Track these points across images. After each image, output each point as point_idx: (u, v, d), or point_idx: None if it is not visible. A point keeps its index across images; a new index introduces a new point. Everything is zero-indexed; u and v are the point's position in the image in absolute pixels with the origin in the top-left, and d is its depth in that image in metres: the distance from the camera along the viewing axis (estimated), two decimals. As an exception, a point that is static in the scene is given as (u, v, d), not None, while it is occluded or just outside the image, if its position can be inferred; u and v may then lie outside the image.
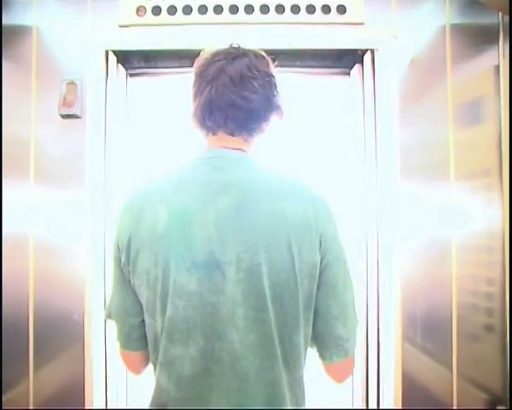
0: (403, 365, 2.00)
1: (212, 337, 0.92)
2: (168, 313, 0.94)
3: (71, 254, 1.97)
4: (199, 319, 0.92)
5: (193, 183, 0.96)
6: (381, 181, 2.03)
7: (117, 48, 2.06)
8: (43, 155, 1.98)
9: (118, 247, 1.01)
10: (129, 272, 0.99)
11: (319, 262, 0.96)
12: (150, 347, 1.02)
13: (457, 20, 2.03)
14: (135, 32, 2.03)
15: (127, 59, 2.15)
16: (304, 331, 0.97)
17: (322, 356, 1.03)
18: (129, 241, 0.97)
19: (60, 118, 1.99)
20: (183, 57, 2.08)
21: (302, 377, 1.00)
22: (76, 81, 1.99)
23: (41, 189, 1.99)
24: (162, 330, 0.95)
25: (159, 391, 0.98)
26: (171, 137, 2.12)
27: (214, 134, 1.03)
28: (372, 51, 2.09)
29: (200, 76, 1.03)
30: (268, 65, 1.04)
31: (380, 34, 2.05)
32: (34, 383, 1.95)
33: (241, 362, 0.92)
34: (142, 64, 2.17)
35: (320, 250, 0.95)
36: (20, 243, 1.96)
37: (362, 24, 2.05)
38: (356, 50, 2.11)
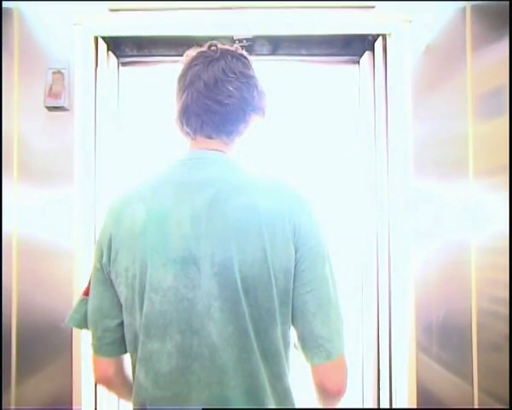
0: (417, 377, 1.93)
1: (189, 333, 0.95)
2: (145, 308, 0.97)
3: (58, 257, 1.90)
4: (175, 314, 0.95)
5: (170, 184, 1.01)
6: (393, 179, 1.97)
7: (107, 34, 1.99)
8: (27, 150, 1.92)
9: (100, 247, 1.04)
10: (110, 271, 1.03)
11: (293, 255, 0.97)
12: (130, 348, 1.04)
13: (478, 1, 1.92)
14: (127, 16, 1.96)
15: (118, 46, 2.09)
16: (281, 328, 0.99)
17: (305, 358, 1.02)
18: (109, 241, 1.01)
19: (45, 110, 1.92)
20: (180, 44, 2.03)
21: (284, 374, 1.01)
22: (63, 70, 1.92)
23: (25, 187, 1.93)
24: (138, 327, 0.99)
25: (137, 389, 1.00)
26: (166, 130, 2.05)
27: (193, 138, 1.06)
28: (384, 37, 2.01)
29: (179, 81, 1.06)
30: (246, 65, 1.05)
31: (392, 18, 1.97)
32: (16, 397, 1.89)
33: (219, 354, 0.95)
34: (135, 52, 2.11)
35: (294, 242, 0.97)
36: (2, 246, 1.90)
37: (372, 7, 1.97)
38: (366, 36, 2.05)
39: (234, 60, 1.04)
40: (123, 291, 1.01)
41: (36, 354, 1.89)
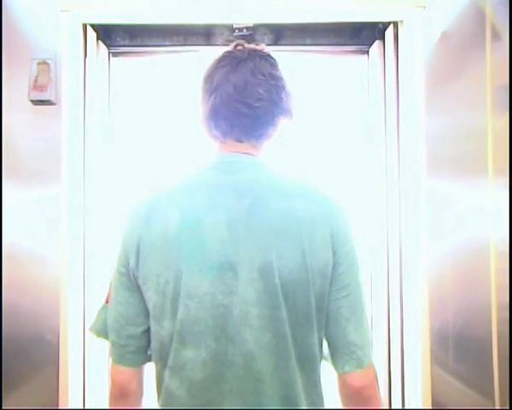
0: (432, 393, 1.87)
1: (224, 340, 0.97)
2: (179, 315, 0.98)
3: (44, 263, 1.86)
4: (211, 321, 0.97)
5: (203, 187, 1.03)
6: (405, 179, 1.95)
7: (97, 21, 1.96)
8: (10, 148, 1.87)
9: (125, 251, 1.05)
10: (137, 277, 1.03)
11: (331, 260, 1.00)
12: (155, 357, 1.05)
13: (499, -16, 1.80)
14: (118, 2, 1.92)
15: (109, 35, 2.07)
16: (317, 334, 1.01)
17: (334, 365, 1.04)
18: (138, 245, 1.02)
19: (30, 104, 1.87)
20: (175, 33, 2.03)
21: (319, 380, 1.04)
22: (49, 61, 1.87)
23: (8, 188, 1.88)
24: (172, 334, 1.00)
25: (168, 398, 1.02)
26: (161, 125, 2.07)
27: (223, 141, 1.08)
28: (395, 25, 1.97)
29: (206, 83, 1.07)
30: (274, 66, 1.07)
31: (404, 4, 1.93)
32: (-1, 414, 1.81)
33: (256, 362, 0.97)
34: (127, 41, 2.09)
35: (331, 247, 1.00)
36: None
37: (383, -8, 1.94)
38: (376, 24, 2.02)
39: (262, 61, 1.06)
40: (152, 298, 1.02)
41: (20, 368, 1.85)
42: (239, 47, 1.08)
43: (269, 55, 1.08)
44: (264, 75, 1.04)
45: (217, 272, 0.97)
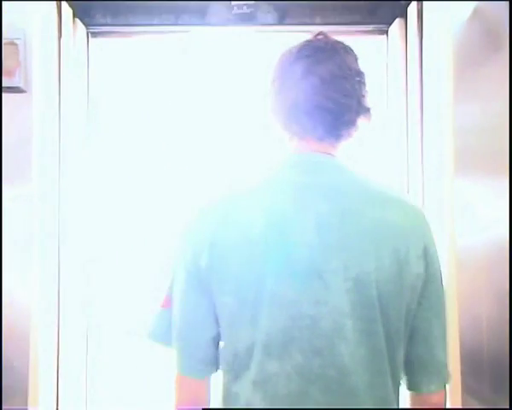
0: None
1: (310, 353, 0.97)
2: (263, 324, 0.98)
3: (12, 275, 1.75)
4: (297, 332, 0.97)
5: (289, 187, 1.04)
6: (428, 176, 1.90)
7: None
8: None
9: (195, 249, 1.03)
10: (209, 278, 1.02)
11: (422, 275, 1.03)
12: (225, 367, 1.04)
13: None
14: None
15: (87, 12, 2.02)
16: (403, 350, 1.04)
17: (418, 384, 1.07)
18: (213, 244, 1.01)
19: None
20: (164, 11, 1.99)
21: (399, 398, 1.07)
22: (17, 41, 1.76)
23: None
24: (251, 344, 1.00)
25: None
26: (146, 114, 2.03)
27: (301, 138, 1.08)
28: (419, 0, 1.92)
29: (285, 73, 1.07)
30: (356, 60, 1.08)
31: None
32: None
33: (351, 377, 0.97)
34: (108, 20, 2.04)
35: (423, 263, 1.03)
36: None
37: (405, -38, 1.94)
38: (396, 0, 1.99)
39: (347, 54, 1.06)
40: (228, 302, 1.01)
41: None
42: (320, 37, 1.08)
43: (351, 49, 1.08)
44: (350, 69, 1.04)
45: (303, 279, 0.97)
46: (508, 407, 1.53)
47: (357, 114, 1.06)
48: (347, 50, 1.07)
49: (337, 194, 1.02)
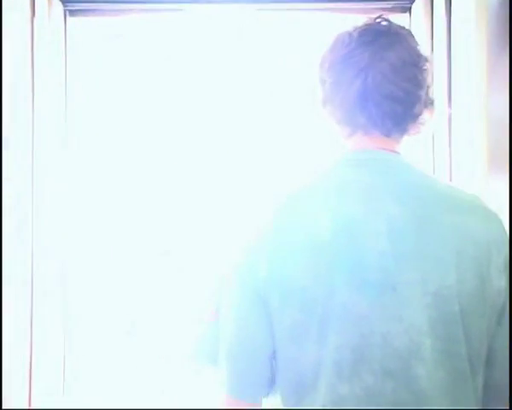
0: None
1: (382, 375, 0.93)
2: (333, 341, 0.93)
3: None
4: (368, 351, 0.92)
5: (355, 185, 0.99)
6: (457, 175, 1.81)
7: None
8: None
9: (252, 256, 0.98)
10: (268, 289, 0.97)
11: (503, 291, 0.98)
12: (286, 389, 0.98)
13: None
14: None
15: None
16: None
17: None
18: (275, 250, 0.97)
19: None
20: None
21: None
22: None
23: None
24: (318, 364, 0.94)
25: None
26: (131, 103, 1.98)
27: (366, 133, 1.02)
28: None
29: (346, 60, 1.01)
30: (419, 46, 1.05)
31: None
32: None
33: (428, 403, 0.92)
34: None
35: (504, 277, 0.98)
36: None
37: None
38: None
39: (412, 39, 1.04)
40: (292, 316, 0.95)
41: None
42: (381, 20, 1.04)
43: (412, 34, 1.06)
44: (419, 56, 1.01)
45: (377, 291, 0.93)
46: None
47: (425, 105, 1.02)
48: (411, 35, 1.04)
49: (410, 197, 0.97)
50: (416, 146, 1.98)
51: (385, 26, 1.03)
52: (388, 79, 0.98)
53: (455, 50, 1.82)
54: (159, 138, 2.05)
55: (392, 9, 1.97)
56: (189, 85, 1.99)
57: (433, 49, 1.91)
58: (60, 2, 1.92)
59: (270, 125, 2.05)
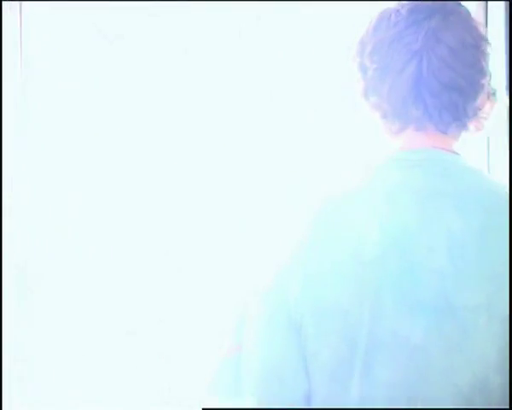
0: None
1: None
2: (381, 375, 0.86)
3: None
4: (424, 389, 0.86)
5: (409, 191, 0.91)
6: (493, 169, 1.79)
7: None
8: None
9: (281, 279, 0.91)
10: (303, 313, 0.89)
11: None
12: None
13: None
14: None
15: None
16: None
17: None
18: (310, 268, 0.89)
19: None
20: None
21: None
22: None
23: None
24: (365, 401, 0.87)
25: None
26: (96, 97, 1.88)
27: (419, 129, 0.94)
28: None
29: (395, 41, 0.93)
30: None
31: None
32: None
33: None
34: None
35: None
36: None
37: None
38: None
39: (471, 18, 0.97)
40: (330, 346, 0.88)
41: None
42: None
43: (469, 11, 1.00)
44: (481, 38, 0.94)
45: (434, 317, 0.85)
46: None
47: (488, 95, 0.95)
48: (469, 13, 0.97)
49: (473, 205, 0.90)
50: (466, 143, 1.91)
51: (439, 2, 0.96)
52: (447, 63, 0.91)
53: (491, 29, 1.77)
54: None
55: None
56: (162, 75, 1.89)
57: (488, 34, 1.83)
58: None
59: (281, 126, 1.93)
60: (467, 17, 0.96)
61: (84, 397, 1.88)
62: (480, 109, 0.96)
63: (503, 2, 1.82)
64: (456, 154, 0.96)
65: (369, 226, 0.90)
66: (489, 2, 1.86)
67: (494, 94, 0.98)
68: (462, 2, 1.12)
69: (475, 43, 0.94)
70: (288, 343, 0.92)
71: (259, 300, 0.94)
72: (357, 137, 1.91)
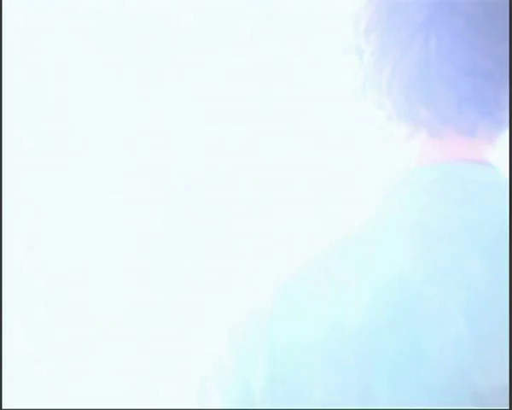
0: None
1: None
2: None
3: None
4: None
5: (417, 230, 0.69)
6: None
7: None
8: None
9: (240, 367, 0.69)
10: (266, 405, 0.72)
11: None
12: None
13: None
14: None
15: None
16: None
17: None
18: (273, 350, 0.69)
19: None
20: None
21: None
22: None
23: None
24: None
25: None
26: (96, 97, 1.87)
27: (433, 133, 0.70)
28: None
29: (392, 12, 0.71)
30: None
31: None
32: None
33: None
34: None
35: None
36: None
37: None
38: None
39: None
40: None
41: None
42: None
43: None
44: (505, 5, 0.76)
45: (453, 399, 0.66)
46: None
47: None
48: None
49: (502, 248, 0.68)
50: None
51: None
52: (465, 40, 0.69)
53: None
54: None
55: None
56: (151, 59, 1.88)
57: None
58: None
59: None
60: None
61: (83, 397, 1.92)
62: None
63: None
64: (489, 164, 0.75)
65: (356, 286, 0.72)
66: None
67: None
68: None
69: (501, 9, 0.77)
70: None
71: (218, 395, 0.72)
72: (366, 145, 1.82)
